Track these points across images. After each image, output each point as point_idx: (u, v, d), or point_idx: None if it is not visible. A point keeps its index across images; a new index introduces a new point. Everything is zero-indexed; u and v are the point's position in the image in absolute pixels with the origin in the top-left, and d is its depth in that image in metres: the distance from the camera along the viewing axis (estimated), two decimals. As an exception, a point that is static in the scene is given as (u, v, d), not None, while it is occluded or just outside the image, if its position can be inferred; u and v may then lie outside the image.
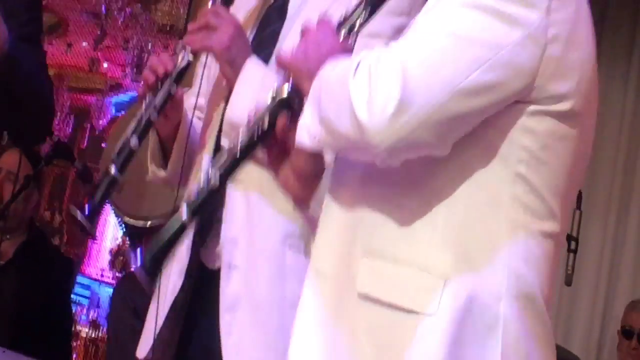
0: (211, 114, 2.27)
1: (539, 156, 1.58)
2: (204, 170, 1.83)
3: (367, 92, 1.51)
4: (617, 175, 4.71)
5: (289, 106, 1.71)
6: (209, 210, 1.77)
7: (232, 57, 2.15)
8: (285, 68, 1.72)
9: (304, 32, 1.72)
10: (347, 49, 1.70)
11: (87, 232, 2.00)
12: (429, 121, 1.50)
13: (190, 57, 2.19)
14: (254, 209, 2.15)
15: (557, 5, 1.57)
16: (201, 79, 2.29)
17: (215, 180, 1.74)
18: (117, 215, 4.38)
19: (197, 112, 2.29)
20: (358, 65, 1.54)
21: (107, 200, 2.13)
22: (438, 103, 1.50)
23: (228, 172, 1.76)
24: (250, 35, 2.27)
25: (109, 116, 6.20)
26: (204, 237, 2.21)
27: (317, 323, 1.64)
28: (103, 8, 5.76)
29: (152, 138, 2.33)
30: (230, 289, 2.11)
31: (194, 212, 1.74)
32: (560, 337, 4.58)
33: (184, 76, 2.21)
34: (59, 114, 5.79)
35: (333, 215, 1.67)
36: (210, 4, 2.24)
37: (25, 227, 4.37)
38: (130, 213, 3.94)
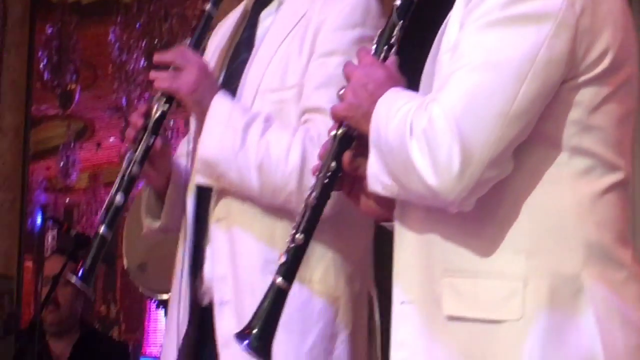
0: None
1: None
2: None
3: (429, 158, 1.53)
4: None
5: (349, 140, 1.73)
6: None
7: (199, 98, 2.20)
8: (341, 120, 1.72)
9: (347, 75, 1.72)
10: (393, 76, 1.70)
11: (85, 295, 2.07)
12: (493, 158, 1.53)
13: (165, 107, 2.24)
14: (236, 243, 2.19)
15: None
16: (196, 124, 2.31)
17: (300, 239, 1.74)
18: (151, 298, 4.44)
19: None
20: (411, 127, 1.55)
21: (99, 260, 2.16)
22: (496, 138, 1.52)
23: (311, 224, 1.75)
24: (222, 71, 2.35)
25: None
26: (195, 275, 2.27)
27: (412, 352, 1.65)
28: (124, 100, 6.03)
29: (145, 193, 2.38)
30: (224, 326, 2.17)
31: (285, 274, 1.73)
32: None
33: (161, 126, 2.26)
34: (99, 210, 6.07)
35: (405, 242, 1.69)
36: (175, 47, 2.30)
37: (77, 326, 4.57)
38: (162, 289, 3.97)
